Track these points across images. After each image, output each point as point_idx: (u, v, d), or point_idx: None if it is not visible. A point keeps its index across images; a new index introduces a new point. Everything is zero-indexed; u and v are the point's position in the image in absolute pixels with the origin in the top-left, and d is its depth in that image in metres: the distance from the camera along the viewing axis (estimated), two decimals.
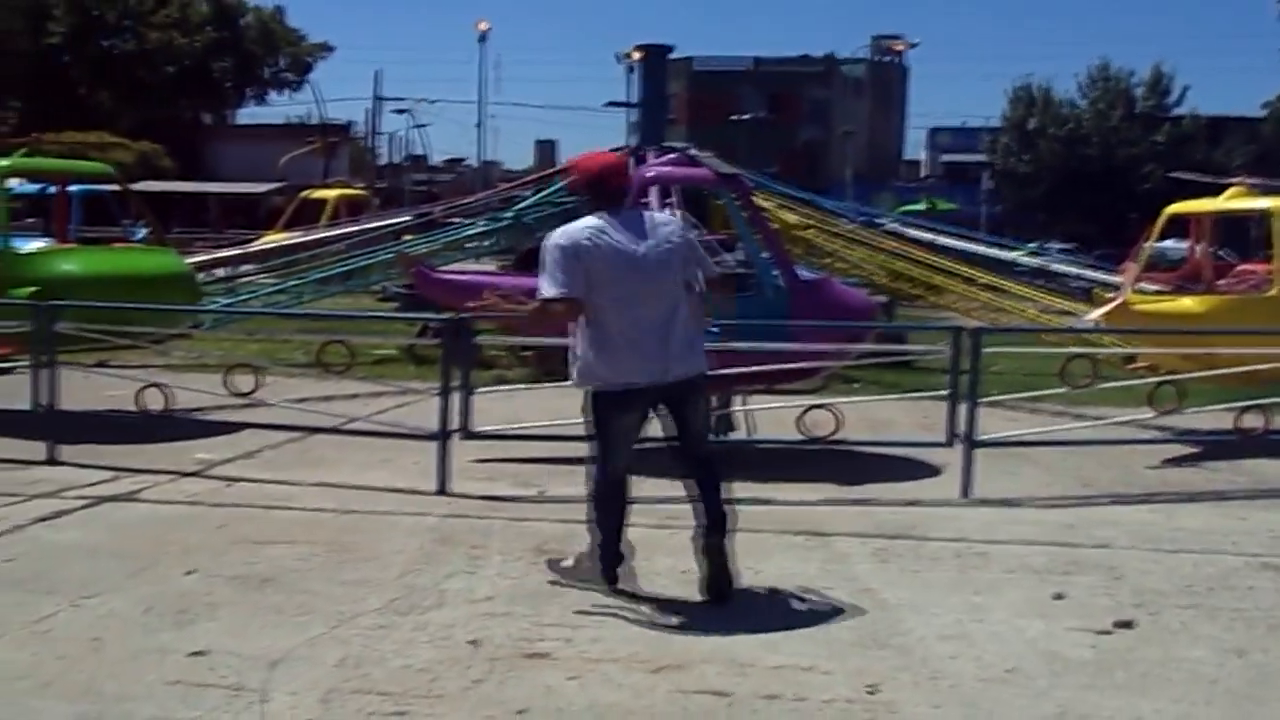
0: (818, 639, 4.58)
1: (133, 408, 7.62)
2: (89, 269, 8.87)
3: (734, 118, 49.32)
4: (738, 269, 8.50)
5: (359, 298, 16.93)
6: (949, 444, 7.28)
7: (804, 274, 8.74)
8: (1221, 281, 10.57)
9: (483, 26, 52.12)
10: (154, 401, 7.58)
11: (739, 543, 5.14)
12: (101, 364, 9.12)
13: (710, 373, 5.15)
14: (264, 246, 18.97)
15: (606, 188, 5.03)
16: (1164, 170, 34.13)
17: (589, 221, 4.94)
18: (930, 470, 7.68)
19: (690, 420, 5.07)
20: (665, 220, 5.29)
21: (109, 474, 7.13)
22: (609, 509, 5.09)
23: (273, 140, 43.44)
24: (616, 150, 9.49)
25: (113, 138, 38.80)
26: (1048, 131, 48.21)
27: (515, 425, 7.72)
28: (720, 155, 9.70)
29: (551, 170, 17.98)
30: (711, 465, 5.12)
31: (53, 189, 12.78)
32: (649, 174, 8.94)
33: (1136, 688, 4.22)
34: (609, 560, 5.09)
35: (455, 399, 7.10)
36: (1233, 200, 10.18)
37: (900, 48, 58.67)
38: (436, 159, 66.65)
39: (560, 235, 4.92)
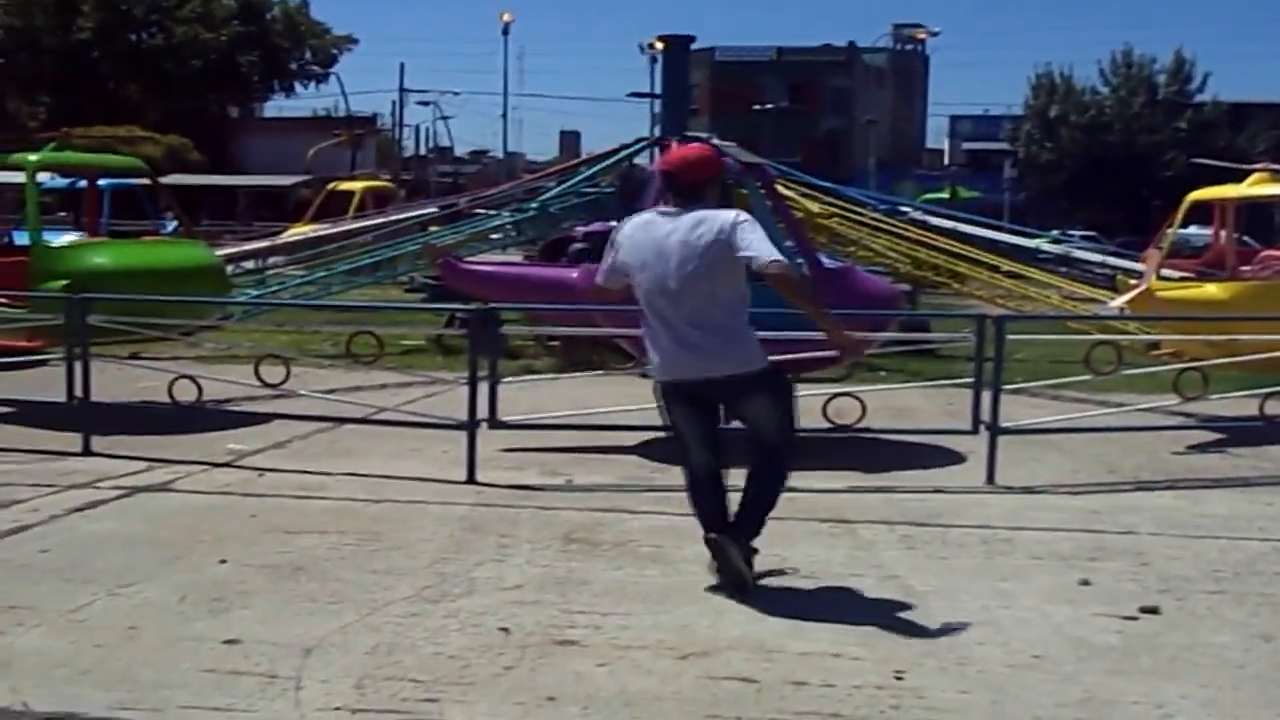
0: (845, 625, 4.57)
1: (165, 399, 7.67)
2: (120, 262, 8.91)
3: (756, 107, 49.20)
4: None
5: (387, 289, 16.98)
6: (974, 431, 7.25)
7: (828, 262, 8.71)
8: (1245, 268, 10.47)
9: (506, 18, 52.25)
10: (185, 393, 7.62)
11: (764, 530, 5.13)
12: (134, 356, 9.17)
13: (759, 368, 4.88)
14: (292, 238, 19.04)
15: (676, 182, 4.97)
16: (1186, 157, 33.92)
17: (643, 215, 5.05)
18: (955, 458, 7.66)
19: (745, 416, 5.01)
20: (713, 219, 4.82)
21: (142, 464, 7.18)
22: (694, 496, 5.11)
23: (299, 133, 43.58)
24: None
25: (141, 132, 39.02)
26: (1070, 119, 47.90)
27: (542, 415, 7.74)
28: (743, 145, 9.66)
29: (576, 161, 17.97)
30: (768, 462, 4.99)
31: (83, 183, 12.87)
32: None
33: (1163, 673, 4.20)
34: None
35: (483, 389, 7.12)
36: (1256, 186, 10.09)
37: (921, 36, 58.34)
38: (461, 151, 66.86)
39: (619, 224, 5.13)
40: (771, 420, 4.99)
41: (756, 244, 4.76)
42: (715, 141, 9.91)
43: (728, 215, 4.86)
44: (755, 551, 5.00)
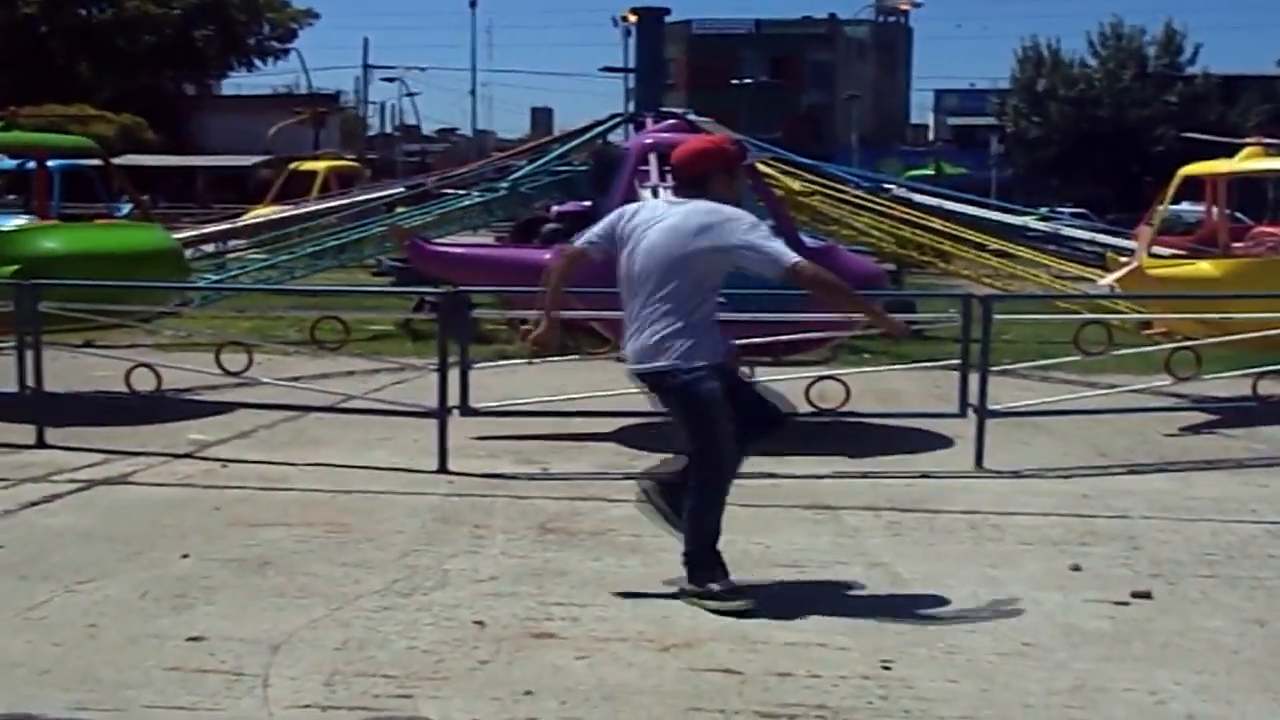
0: (830, 615, 4.60)
1: (122, 388, 7.62)
2: (72, 246, 8.85)
3: (735, 82, 49.17)
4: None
5: (352, 272, 16.93)
6: (961, 414, 7.29)
7: (809, 242, 8.73)
8: (1238, 244, 10.55)
9: None
10: (143, 382, 7.58)
11: (746, 518, 5.18)
12: (88, 344, 9.12)
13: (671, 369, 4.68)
14: (253, 221, 18.94)
15: (678, 174, 5.01)
16: (1177, 131, 34.07)
17: (656, 199, 5.13)
18: (942, 441, 7.70)
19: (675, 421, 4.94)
20: (719, 218, 4.69)
21: (100, 457, 7.15)
22: None
23: (259, 111, 43.36)
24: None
25: (93, 110, 38.71)
26: (1058, 93, 48.06)
27: (516, 401, 7.74)
28: (721, 121, 9.70)
29: (548, 138, 17.94)
30: (689, 478, 4.85)
31: (32, 164, 12.75)
32: (647, 141, 8.93)
33: (1155, 659, 4.25)
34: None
35: (454, 375, 7.11)
36: (1248, 161, 10.16)
37: (904, 7, 58.34)
38: (429, 129, 66.60)
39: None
40: (690, 440, 4.80)
41: (776, 255, 4.65)
42: (691, 117, 9.95)
43: (738, 223, 4.68)
44: (700, 591, 4.74)
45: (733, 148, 5.12)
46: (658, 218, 4.81)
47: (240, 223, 19.15)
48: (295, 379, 8.60)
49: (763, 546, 5.39)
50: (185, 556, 5.27)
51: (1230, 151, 10.46)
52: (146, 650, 4.21)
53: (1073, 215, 24.97)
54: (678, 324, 4.69)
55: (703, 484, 4.78)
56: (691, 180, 4.89)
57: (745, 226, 4.70)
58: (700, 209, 4.75)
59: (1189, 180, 10.39)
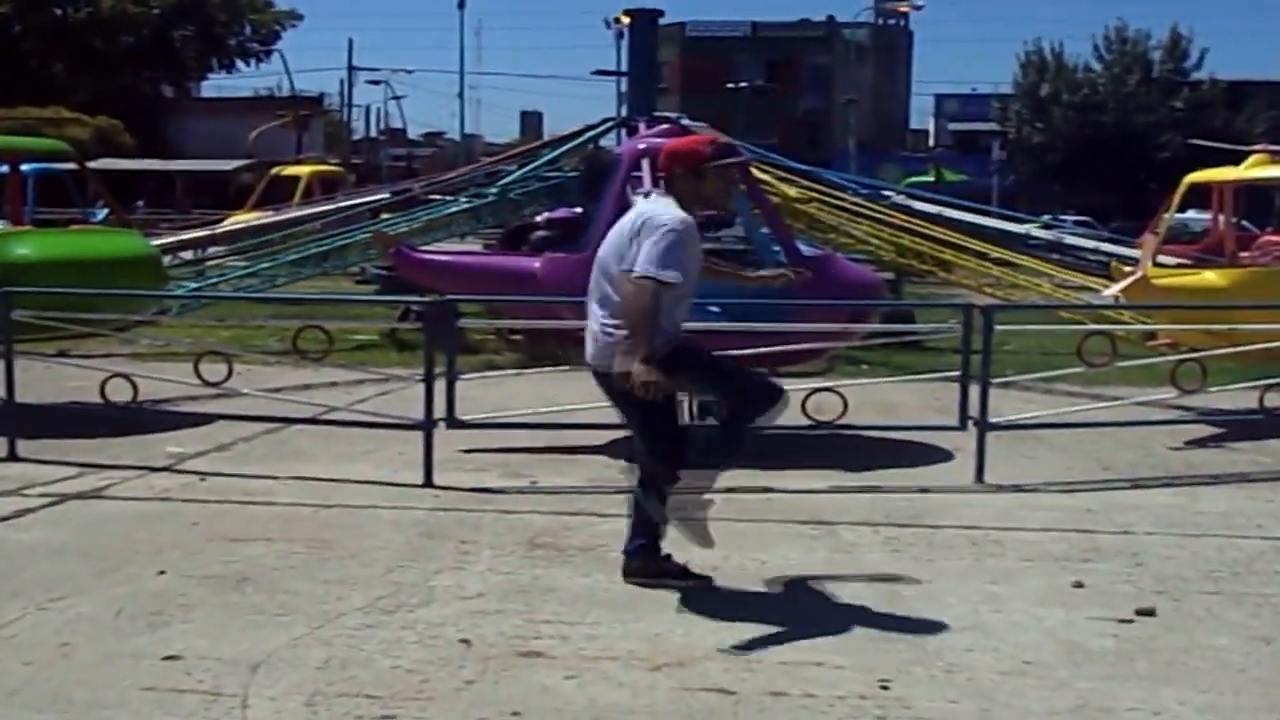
0: (826, 632, 4.61)
1: (97, 399, 7.61)
2: (46, 252, 8.85)
3: (730, 86, 49.35)
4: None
5: (336, 280, 16.94)
6: (961, 427, 7.30)
7: (806, 250, 8.75)
8: (1244, 254, 10.60)
9: None
10: (119, 393, 7.56)
11: (741, 532, 5.19)
12: (62, 353, 9.11)
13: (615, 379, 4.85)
14: (234, 227, 18.95)
15: (654, 169, 5.22)
16: (1183, 138, 34.25)
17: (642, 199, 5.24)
18: (942, 455, 7.72)
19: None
20: (644, 215, 4.88)
21: (73, 470, 7.13)
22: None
23: (240, 114, 43.39)
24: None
25: (69, 113, 38.69)
26: (1061, 98, 48.28)
27: (504, 413, 7.74)
28: (715, 126, 9.70)
29: (538, 143, 17.96)
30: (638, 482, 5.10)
31: (4, 168, 12.74)
32: (640, 146, 8.95)
33: (1160, 677, 4.26)
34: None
35: (440, 386, 7.11)
36: (1255, 168, 10.21)
37: (904, 10, 58.53)
38: (415, 133, 66.76)
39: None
40: (639, 436, 5.11)
41: (641, 256, 4.73)
42: (685, 122, 9.97)
43: (657, 219, 4.80)
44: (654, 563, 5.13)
45: (705, 149, 5.13)
46: (623, 220, 5.05)
47: (220, 229, 19.15)
48: (276, 390, 8.61)
49: (758, 562, 5.40)
50: (162, 573, 5.26)
51: (1236, 159, 10.52)
52: (121, 670, 4.20)
53: (1075, 223, 25.06)
54: (620, 322, 4.88)
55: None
56: (663, 179, 5.09)
57: (656, 229, 4.77)
58: (643, 210, 4.95)
59: (1195, 188, 10.44)
